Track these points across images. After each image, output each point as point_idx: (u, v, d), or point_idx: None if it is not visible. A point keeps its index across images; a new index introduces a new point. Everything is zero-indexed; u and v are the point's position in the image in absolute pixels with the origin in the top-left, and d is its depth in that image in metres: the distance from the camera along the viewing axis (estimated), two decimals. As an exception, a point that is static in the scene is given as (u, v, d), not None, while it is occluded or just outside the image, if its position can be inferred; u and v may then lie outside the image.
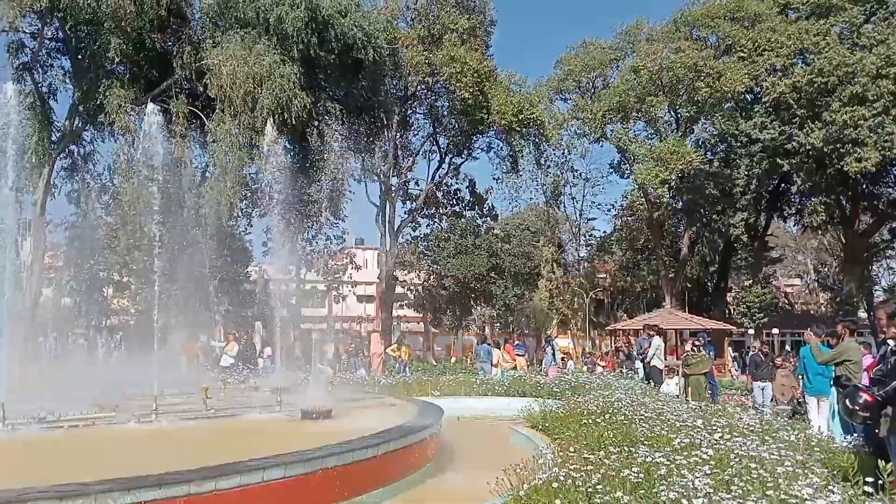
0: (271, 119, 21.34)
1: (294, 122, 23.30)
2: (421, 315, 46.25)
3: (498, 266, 36.16)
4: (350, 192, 33.76)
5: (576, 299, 43.67)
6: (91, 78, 22.51)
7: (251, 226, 36.01)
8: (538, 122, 34.23)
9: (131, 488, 4.74)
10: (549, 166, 42.36)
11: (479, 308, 41.48)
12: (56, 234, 28.43)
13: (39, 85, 23.86)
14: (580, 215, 48.29)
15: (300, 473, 5.72)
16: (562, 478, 5.09)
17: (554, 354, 19.51)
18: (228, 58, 21.95)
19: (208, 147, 24.03)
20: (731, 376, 24.86)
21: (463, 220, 38.28)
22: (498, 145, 37.41)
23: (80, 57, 23.57)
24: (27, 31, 23.48)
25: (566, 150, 42.91)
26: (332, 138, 26.40)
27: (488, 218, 39.76)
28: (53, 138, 23.95)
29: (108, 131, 24.35)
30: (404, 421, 7.99)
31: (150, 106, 12.74)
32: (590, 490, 4.85)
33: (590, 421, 7.97)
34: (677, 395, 12.66)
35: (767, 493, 4.61)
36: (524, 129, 34.43)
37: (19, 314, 10.01)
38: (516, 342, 20.02)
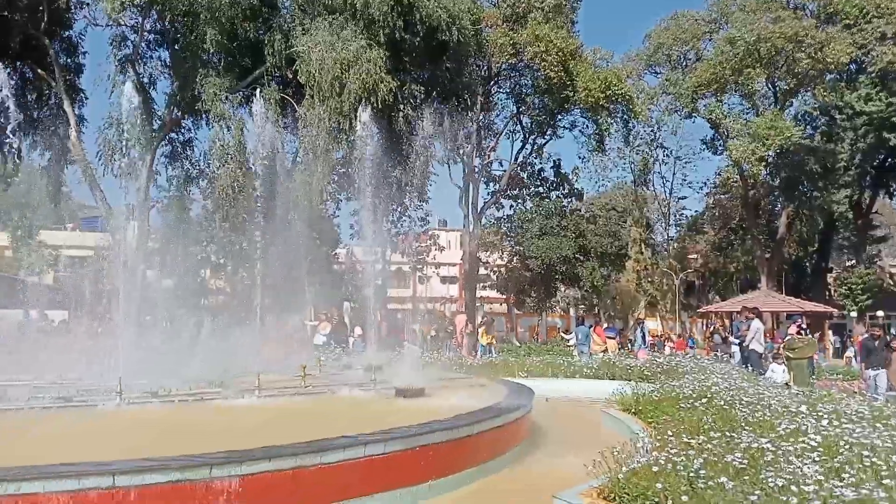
0: (363, 105, 21.71)
1: (380, 106, 23.58)
2: (504, 296, 46.22)
3: (584, 247, 35.60)
4: (434, 174, 33.96)
5: (665, 281, 42.59)
6: (188, 68, 23.47)
7: (339, 209, 36.84)
8: (626, 98, 33.39)
9: (243, 461, 4.99)
10: (638, 144, 41.35)
11: (563, 289, 41.07)
12: (158, 218, 29.90)
13: (140, 76, 25.07)
14: (670, 194, 46.98)
15: (399, 449, 5.87)
16: (662, 461, 5.01)
17: (644, 337, 19.13)
18: (317, 44, 22.39)
19: (299, 132, 24.66)
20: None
21: (547, 200, 37.87)
22: (583, 123, 36.76)
23: (177, 48, 24.60)
24: (128, 24, 24.67)
25: (656, 127, 41.76)
26: (416, 121, 26.60)
27: (573, 198, 39.18)
28: (154, 127, 25.15)
29: (205, 119, 25.37)
30: (497, 401, 8.06)
31: (258, 101, 13.26)
32: (692, 475, 4.75)
33: (687, 405, 7.79)
34: (786, 383, 12.13)
35: (883, 482, 4.41)
36: (611, 106, 33.66)
37: (129, 296, 10.61)
38: (607, 325, 19.72)
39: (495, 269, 42.69)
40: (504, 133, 38.57)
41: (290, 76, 24.37)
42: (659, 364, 14.02)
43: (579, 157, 45.52)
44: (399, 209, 34.92)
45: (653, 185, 46.31)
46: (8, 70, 27.64)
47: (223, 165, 23.59)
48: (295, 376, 9.84)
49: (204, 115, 24.76)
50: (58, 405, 7.63)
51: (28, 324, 18.10)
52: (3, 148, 26.90)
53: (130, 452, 5.09)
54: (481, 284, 41.45)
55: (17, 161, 29.13)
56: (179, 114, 25.62)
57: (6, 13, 24.59)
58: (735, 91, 36.01)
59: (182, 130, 26.94)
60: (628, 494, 4.83)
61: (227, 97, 23.06)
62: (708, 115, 36.79)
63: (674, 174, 46.03)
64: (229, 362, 11.04)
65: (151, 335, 11.21)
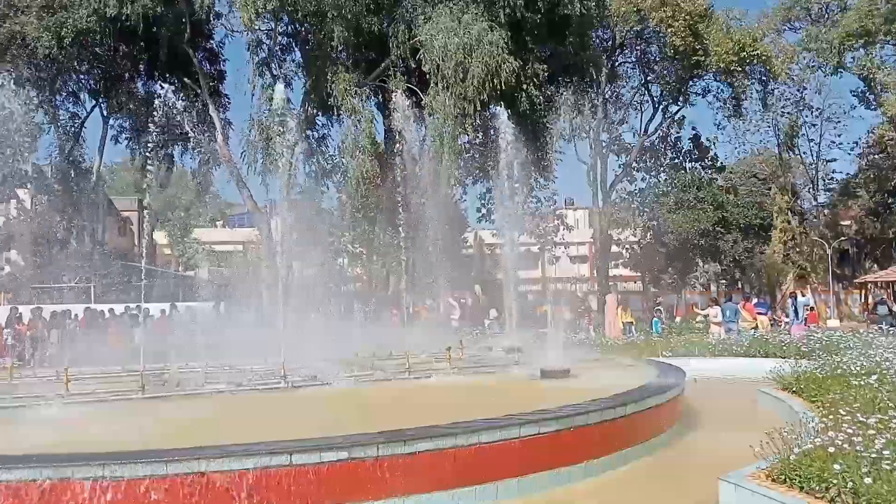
0: (486, 88, 21.81)
1: (503, 88, 23.58)
2: (638, 274, 44.92)
3: (725, 219, 33.84)
4: (560, 151, 33.47)
5: (815, 250, 39.74)
6: (319, 66, 24.43)
7: (465, 193, 37.14)
8: (763, 58, 31.39)
9: (406, 440, 5.21)
10: (783, 104, 38.70)
11: (702, 265, 39.33)
12: (298, 211, 31.45)
13: (277, 78, 26.37)
14: (817, 157, 43.64)
15: (553, 430, 5.89)
16: (839, 442, 4.73)
17: (797, 311, 17.91)
18: (440, 31, 22.64)
19: (425, 120, 25.08)
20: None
21: (683, 171, 36.31)
22: (717, 88, 34.92)
23: (308, 48, 25.68)
24: (263, 29, 25.99)
25: (799, 86, 38.90)
26: (540, 100, 26.34)
27: (711, 168, 37.34)
28: (292, 125, 26.41)
29: (336, 114, 26.36)
30: (647, 381, 7.88)
31: (400, 98, 13.65)
32: (874, 456, 4.45)
33: (859, 382, 7.27)
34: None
35: None
36: (746, 68, 31.78)
37: (281, 286, 11.29)
38: (757, 300, 18.66)
39: (628, 246, 41.50)
40: (632, 104, 37.40)
41: (415, 66, 24.79)
42: (817, 339, 13.16)
43: (715, 125, 43.24)
44: (526, 190, 34.73)
45: (798, 148, 43.18)
46: (159, 82, 30.11)
47: (355, 158, 24.42)
48: (440, 358, 10.09)
49: (336, 111, 25.72)
50: (230, 389, 8.28)
51: (211, 314, 19.70)
52: (159, 155, 29.27)
53: (303, 432, 5.45)
54: (613, 262, 40.54)
55: (170, 166, 31.65)
56: (314, 111, 26.74)
57: (154, 30, 26.65)
58: (888, 41, 32.89)
59: (317, 127, 28.13)
60: (800, 476, 4.60)
61: (356, 91, 23.81)
62: (858, 69, 33.87)
63: (821, 135, 42.73)
64: (377, 345, 11.52)
65: (304, 322, 11.85)
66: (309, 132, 27.78)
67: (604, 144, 36.10)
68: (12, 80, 9.59)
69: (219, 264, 43.98)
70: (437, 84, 23.65)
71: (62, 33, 23.57)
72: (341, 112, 24.92)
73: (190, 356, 10.63)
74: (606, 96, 35.42)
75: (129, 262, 31.36)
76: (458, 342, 11.70)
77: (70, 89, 29.37)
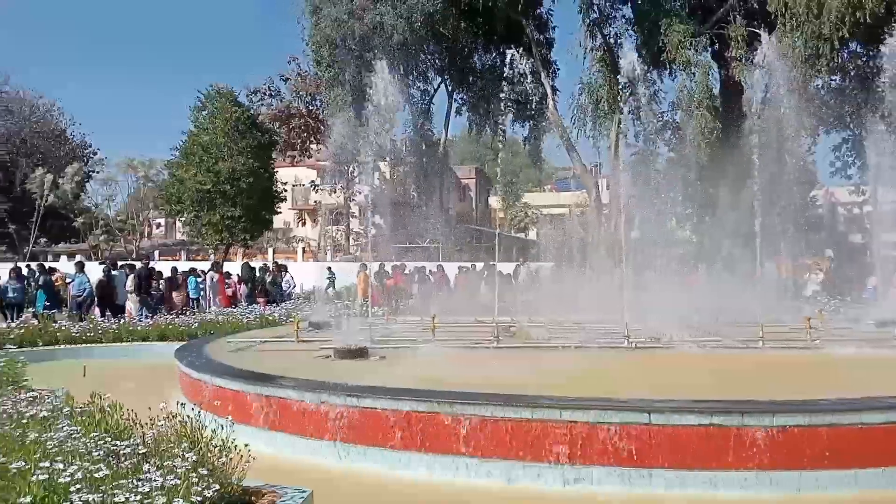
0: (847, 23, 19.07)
1: (869, 21, 20.43)
2: None
3: None
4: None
5: None
6: (651, 20, 23.61)
7: (815, 144, 33.02)
8: None
9: (776, 412, 4.88)
10: None
11: None
12: (628, 173, 31.12)
13: (607, 37, 26.12)
14: None
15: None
16: None
17: None
18: (790, -36, 20.35)
19: (769, 66, 22.86)
20: None
21: None
22: None
23: (639, 2, 24.92)
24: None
25: None
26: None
27: None
28: (621, 84, 26.05)
29: (669, 69, 25.27)
30: None
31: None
32: None
33: None
34: None
35: None
36: None
37: (619, 248, 11.24)
38: None
39: None
40: None
41: (756, 6, 22.67)
42: None
43: None
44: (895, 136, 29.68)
45: None
46: (494, 53, 31.91)
47: (690, 113, 23.27)
48: (795, 328, 9.21)
49: (668, 66, 24.71)
50: (576, 344, 8.55)
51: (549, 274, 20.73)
52: (495, 124, 31.16)
53: (659, 391, 5.47)
54: None
55: (504, 135, 33.51)
56: (645, 68, 26.03)
57: (490, 4, 28.22)
58: None
59: (648, 84, 27.33)
60: None
61: (691, 42, 22.57)
62: None
63: None
64: (719, 311, 10.93)
65: (641, 283, 11.69)
66: (640, 91, 27.20)
67: None
68: (382, 66, 10.96)
69: (548, 227, 45.68)
70: (784, 24, 21.38)
71: (413, 18, 26.22)
72: (675, 66, 23.85)
73: (534, 312, 11.25)
74: None
75: (469, 225, 34.17)
76: (818, 311, 10.54)
77: (420, 69, 32.51)
